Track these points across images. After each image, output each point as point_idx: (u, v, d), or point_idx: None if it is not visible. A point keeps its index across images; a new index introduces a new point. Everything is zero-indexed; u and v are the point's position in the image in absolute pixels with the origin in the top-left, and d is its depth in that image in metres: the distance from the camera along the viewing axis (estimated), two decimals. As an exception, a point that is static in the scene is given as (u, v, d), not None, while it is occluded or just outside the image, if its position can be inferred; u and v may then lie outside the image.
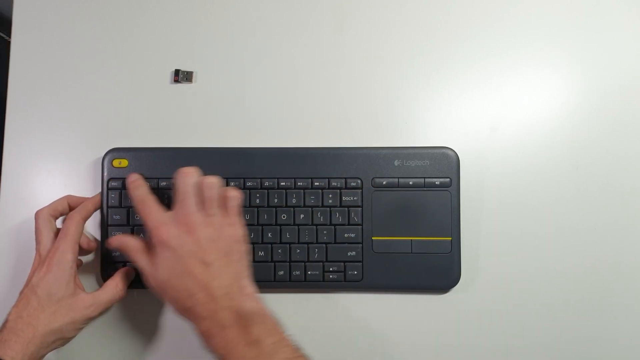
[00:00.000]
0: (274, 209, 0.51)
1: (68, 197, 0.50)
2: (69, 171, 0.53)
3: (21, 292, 0.45)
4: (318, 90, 0.54)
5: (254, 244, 0.50)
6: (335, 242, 0.51)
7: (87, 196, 0.51)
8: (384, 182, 0.51)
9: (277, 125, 0.54)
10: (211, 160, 0.51)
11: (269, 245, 0.51)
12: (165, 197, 0.50)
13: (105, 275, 0.50)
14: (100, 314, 0.47)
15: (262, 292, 0.43)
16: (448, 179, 0.51)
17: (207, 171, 0.50)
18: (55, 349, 0.45)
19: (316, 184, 0.51)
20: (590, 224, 0.52)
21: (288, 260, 0.50)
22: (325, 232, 0.51)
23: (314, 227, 0.51)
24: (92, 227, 0.52)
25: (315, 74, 0.55)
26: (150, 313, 0.52)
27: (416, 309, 0.52)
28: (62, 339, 0.45)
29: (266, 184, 0.51)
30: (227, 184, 0.51)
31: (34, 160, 0.53)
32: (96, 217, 0.51)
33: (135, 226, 0.50)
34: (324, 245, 0.51)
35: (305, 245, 0.51)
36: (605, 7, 0.55)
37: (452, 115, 0.54)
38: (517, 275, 0.52)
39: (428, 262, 0.50)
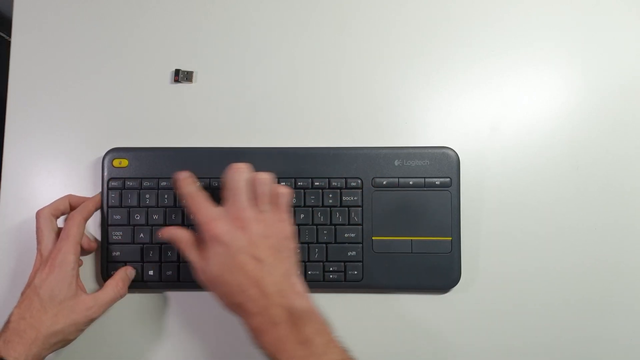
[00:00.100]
0: (274, 208, 0.51)
1: (69, 196, 0.50)
2: (69, 171, 0.53)
3: (23, 293, 0.45)
4: (318, 90, 0.54)
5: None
6: (335, 242, 0.51)
7: (87, 196, 0.51)
8: (384, 182, 0.51)
9: (277, 125, 0.54)
10: (211, 160, 0.51)
11: (269, 245, 0.51)
12: (214, 195, 0.49)
13: (105, 275, 0.50)
14: (102, 314, 0.47)
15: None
16: (448, 179, 0.51)
17: (207, 171, 0.50)
18: (57, 350, 0.46)
19: (316, 183, 0.51)
20: (590, 224, 0.52)
21: (288, 260, 0.51)
22: (325, 232, 0.51)
23: (314, 227, 0.51)
24: (93, 227, 0.52)
25: (315, 74, 0.55)
26: (151, 313, 0.52)
27: (416, 308, 0.52)
28: (64, 341, 0.45)
29: (266, 184, 0.51)
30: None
31: (34, 160, 0.53)
32: (96, 217, 0.51)
33: (135, 226, 0.50)
34: (324, 245, 0.51)
35: (306, 245, 0.51)
36: (605, 7, 0.55)
37: (452, 115, 0.54)
38: (517, 275, 0.52)
39: (428, 262, 0.50)
